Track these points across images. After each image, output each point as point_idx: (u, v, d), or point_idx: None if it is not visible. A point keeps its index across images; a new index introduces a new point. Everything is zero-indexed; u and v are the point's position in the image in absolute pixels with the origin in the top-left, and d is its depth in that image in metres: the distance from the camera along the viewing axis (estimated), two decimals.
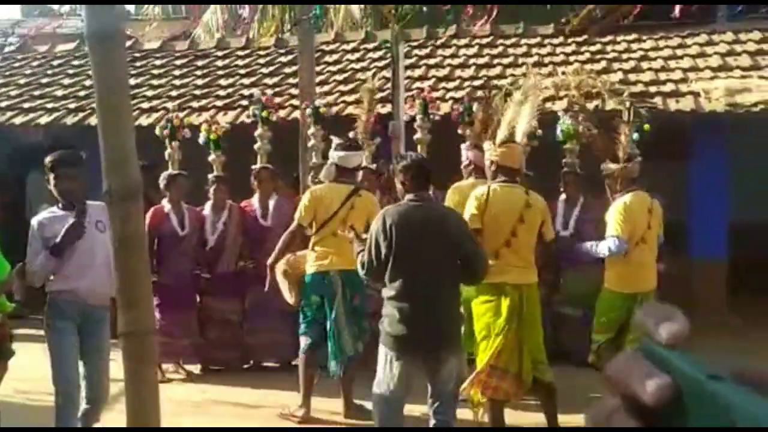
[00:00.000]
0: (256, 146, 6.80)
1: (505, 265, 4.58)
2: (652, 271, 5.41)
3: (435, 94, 8.31)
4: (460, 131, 6.35)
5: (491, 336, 4.57)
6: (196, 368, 6.63)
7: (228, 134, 6.89)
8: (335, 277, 5.24)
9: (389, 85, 8.19)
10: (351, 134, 6.20)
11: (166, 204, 6.58)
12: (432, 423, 4.20)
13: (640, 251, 5.31)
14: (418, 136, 6.69)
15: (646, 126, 6.23)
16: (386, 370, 4.07)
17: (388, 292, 4.05)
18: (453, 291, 4.12)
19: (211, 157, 6.76)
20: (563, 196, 6.66)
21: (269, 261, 5.51)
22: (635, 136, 6.06)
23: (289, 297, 5.55)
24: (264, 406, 5.66)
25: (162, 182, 6.58)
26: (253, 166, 6.80)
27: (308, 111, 6.77)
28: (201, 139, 6.77)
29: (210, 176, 6.76)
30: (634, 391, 0.47)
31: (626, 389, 0.48)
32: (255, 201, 6.81)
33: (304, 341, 5.41)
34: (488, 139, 5.96)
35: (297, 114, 7.41)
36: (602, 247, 5.29)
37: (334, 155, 5.49)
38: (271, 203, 6.74)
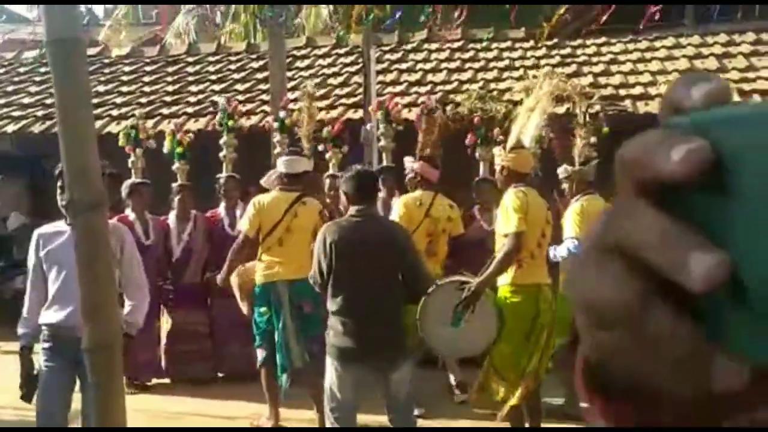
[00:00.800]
0: (221, 154, 6.67)
1: (538, 266, 4.67)
2: None
3: (407, 99, 8.33)
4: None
5: (530, 340, 4.61)
6: (166, 380, 6.54)
7: (192, 143, 6.75)
8: (282, 287, 5.15)
9: (361, 90, 8.19)
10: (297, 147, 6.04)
11: (129, 213, 6.39)
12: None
13: None
14: (381, 143, 6.64)
15: (605, 129, 6.29)
16: (334, 380, 4.10)
17: (331, 306, 4.08)
18: (396, 304, 4.13)
19: (175, 166, 6.61)
20: None
21: (221, 275, 5.45)
22: (593, 139, 6.11)
23: (243, 308, 5.51)
24: (238, 417, 5.61)
25: (124, 191, 6.35)
26: (219, 175, 6.66)
27: (275, 124, 6.68)
28: (165, 149, 6.62)
29: (174, 185, 6.61)
30: (654, 169, 0.34)
31: (644, 171, 0.35)
32: (221, 210, 6.69)
33: (260, 354, 5.34)
34: (432, 149, 5.99)
35: (269, 120, 7.33)
36: (561, 250, 5.24)
37: (278, 162, 5.47)
38: (238, 212, 6.59)
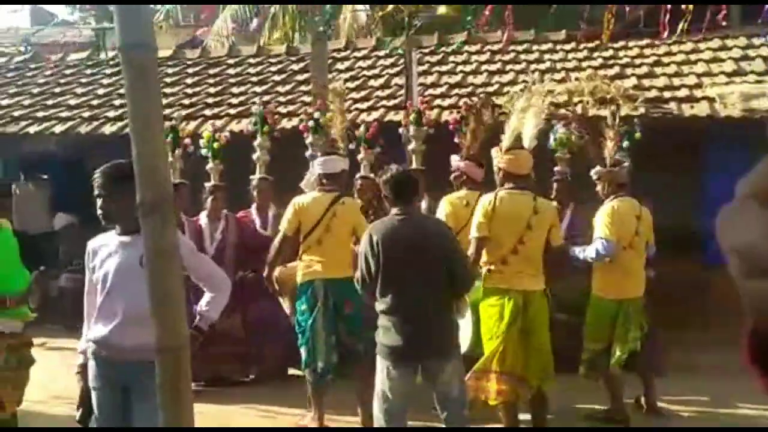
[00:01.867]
0: (254, 156, 6.70)
1: (511, 271, 4.66)
2: (640, 278, 5.41)
3: (447, 101, 8.32)
4: (457, 140, 6.30)
5: (494, 339, 4.66)
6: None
7: (232, 144, 6.78)
8: (319, 285, 5.21)
9: (402, 91, 8.20)
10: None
11: None
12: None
13: (627, 257, 5.31)
14: (412, 146, 6.64)
15: (638, 134, 6.26)
16: (385, 380, 4.12)
17: (380, 305, 4.12)
18: (443, 300, 4.15)
19: (209, 166, 6.64)
20: (554, 203, 6.62)
21: (265, 274, 5.47)
22: (625, 143, 6.07)
23: (286, 307, 5.55)
24: (282, 415, 5.65)
25: None
26: (252, 177, 6.69)
27: (310, 123, 6.69)
28: (203, 150, 6.63)
29: (207, 185, 6.61)
30: None
31: None
32: (253, 211, 6.70)
33: (304, 353, 5.35)
34: (478, 148, 6.00)
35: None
36: (590, 251, 5.28)
37: (314, 163, 5.51)
38: (271, 213, 6.62)
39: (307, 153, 6.68)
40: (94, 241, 3.51)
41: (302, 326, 5.33)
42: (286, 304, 5.54)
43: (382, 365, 4.14)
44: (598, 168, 5.64)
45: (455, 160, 5.95)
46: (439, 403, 4.18)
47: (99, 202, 3.41)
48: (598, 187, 5.63)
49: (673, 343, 6.04)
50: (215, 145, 6.64)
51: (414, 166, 6.51)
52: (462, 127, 6.41)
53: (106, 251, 3.44)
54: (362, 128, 6.56)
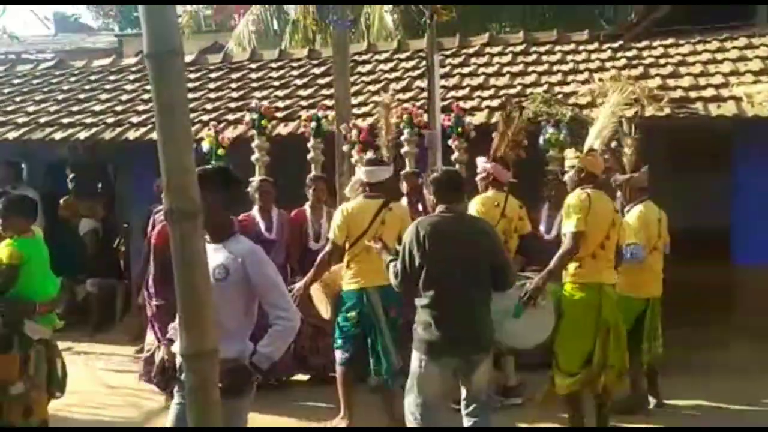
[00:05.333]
0: (253, 158, 6.74)
1: (600, 266, 4.80)
2: (661, 277, 5.76)
3: (470, 104, 8.28)
4: (449, 142, 6.30)
5: (588, 336, 4.73)
6: None
7: (230, 146, 6.78)
8: (373, 293, 5.25)
9: (424, 94, 8.17)
10: (370, 153, 5.90)
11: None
12: (466, 424, 4.29)
13: (653, 259, 5.63)
14: (405, 149, 6.63)
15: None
16: (422, 375, 4.18)
17: (421, 300, 4.20)
18: (484, 298, 4.26)
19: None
20: (548, 202, 6.59)
21: (306, 281, 5.46)
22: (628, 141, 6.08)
23: (324, 313, 5.55)
24: (305, 418, 5.65)
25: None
26: (251, 179, 6.71)
27: (312, 124, 6.70)
28: (204, 148, 6.62)
29: None
30: None
31: None
32: (255, 214, 6.67)
33: (340, 355, 5.40)
34: (505, 150, 6.02)
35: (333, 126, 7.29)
36: (624, 254, 5.35)
37: (359, 172, 5.56)
38: (274, 216, 6.64)
39: (309, 156, 6.69)
40: None
41: (344, 332, 5.37)
42: (323, 308, 5.54)
43: (418, 359, 4.19)
44: (617, 176, 5.80)
45: (482, 162, 6.04)
46: (466, 398, 4.26)
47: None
48: (619, 194, 5.82)
49: (698, 342, 6.04)
50: (220, 151, 6.65)
51: (407, 169, 6.52)
52: (454, 129, 6.47)
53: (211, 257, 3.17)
54: (354, 132, 6.52)
